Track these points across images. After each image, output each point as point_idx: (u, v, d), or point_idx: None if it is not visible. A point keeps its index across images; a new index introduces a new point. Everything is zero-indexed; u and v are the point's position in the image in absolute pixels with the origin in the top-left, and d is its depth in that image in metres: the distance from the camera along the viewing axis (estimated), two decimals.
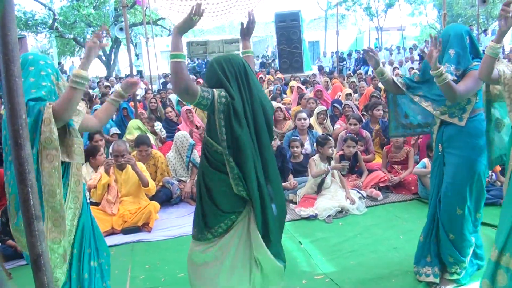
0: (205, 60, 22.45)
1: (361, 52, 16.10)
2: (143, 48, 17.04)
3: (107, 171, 4.98)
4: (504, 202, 2.78)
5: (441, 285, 3.39)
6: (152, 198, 5.29)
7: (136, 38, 28.94)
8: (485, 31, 23.30)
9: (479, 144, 3.22)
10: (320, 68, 18.52)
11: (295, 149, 5.97)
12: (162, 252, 4.38)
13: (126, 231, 4.85)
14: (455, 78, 3.09)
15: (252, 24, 3.13)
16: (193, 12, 2.49)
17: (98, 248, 2.76)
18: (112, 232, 4.86)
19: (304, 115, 6.43)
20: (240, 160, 2.57)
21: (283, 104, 8.60)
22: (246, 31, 3.14)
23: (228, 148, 2.54)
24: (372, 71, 10.20)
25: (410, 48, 21.51)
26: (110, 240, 4.60)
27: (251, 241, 2.72)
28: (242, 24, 3.16)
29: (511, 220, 2.65)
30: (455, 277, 3.36)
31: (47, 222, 2.37)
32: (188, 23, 2.52)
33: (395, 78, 3.47)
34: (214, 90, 2.53)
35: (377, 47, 25.89)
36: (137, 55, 25.70)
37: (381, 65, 3.48)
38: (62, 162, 2.43)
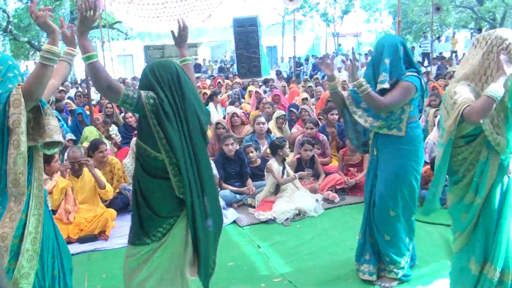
0: None
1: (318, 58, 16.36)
2: (99, 52, 16.69)
3: (63, 174, 4.86)
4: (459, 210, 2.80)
5: (381, 282, 3.51)
6: (108, 205, 5.20)
7: (92, 41, 28.31)
8: (438, 38, 24.15)
9: (412, 149, 3.34)
10: (278, 73, 18.69)
11: (251, 154, 6.00)
12: (119, 260, 4.22)
13: (82, 240, 4.74)
14: (386, 86, 3.18)
15: (184, 31, 3.09)
16: (85, 8, 2.38)
17: (62, 256, 2.69)
18: (68, 241, 4.71)
19: (262, 119, 6.49)
20: (177, 163, 2.52)
21: (243, 111, 8.65)
22: (179, 39, 3.10)
23: (167, 152, 2.49)
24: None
25: (365, 54, 22.00)
26: None
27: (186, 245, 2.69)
28: (173, 32, 3.12)
29: (483, 232, 2.69)
30: (392, 275, 3.48)
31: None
32: (86, 22, 2.41)
33: (344, 93, 3.52)
34: (141, 91, 2.49)
35: (343, 53, 26.30)
36: None
37: (336, 79, 3.51)
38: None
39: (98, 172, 5.11)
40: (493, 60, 2.54)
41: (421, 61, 19.20)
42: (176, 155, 2.48)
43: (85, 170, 5.05)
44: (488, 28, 25.36)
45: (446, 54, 20.66)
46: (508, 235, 2.66)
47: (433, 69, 14.39)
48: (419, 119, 3.51)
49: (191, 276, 2.76)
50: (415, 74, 3.28)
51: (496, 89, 2.41)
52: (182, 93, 2.56)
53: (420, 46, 21.53)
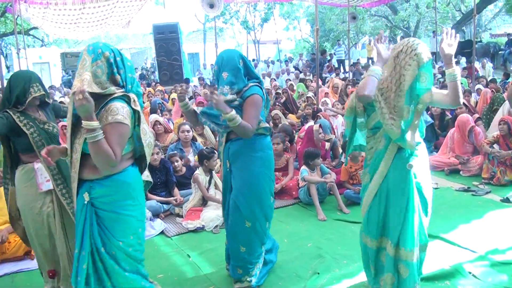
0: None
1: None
2: (14, 60, 15.83)
3: None
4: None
5: None
6: None
7: (7, 48, 26.84)
8: (355, 45, 25.21)
9: (263, 156, 3.45)
10: (201, 80, 18.64)
11: (176, 163, 5.93)
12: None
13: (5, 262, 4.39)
14: (229, 97, 3.28)
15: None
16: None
17: None
18: None
19: (187, 127, 6.42)
20: None
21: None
22: None
23: None
24: None
25: (285, 61, 22.52)
26: None
27: None
28: None
29: (401, 216, 3.01)
30: (246, 284, 3.58)
31: None
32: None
33: (196, 109, 3.63)
34: None
35: (254, 60, 26.67)
36: (8, 67, 23.78)
37: (186, 99, 3.51)
38: None
39: None
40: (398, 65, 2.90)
41: (337, 67, 19.98)
42: None
43: (1, 189, 4.60)
44: (403, 36, 26.90)
45: (363, 61, 21.67)
46: (412, 218, 3.00)
47: (350, 75, 15.01)
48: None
49: None
50: (257, 84, 3.41)
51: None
52: None
53: (334, 54, 22.40)
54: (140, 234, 2.77)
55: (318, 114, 7.80)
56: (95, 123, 2.39)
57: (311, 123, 7.31)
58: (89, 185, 2.59)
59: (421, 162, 3.05)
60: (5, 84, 3.85)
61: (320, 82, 11.50)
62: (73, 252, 3.22)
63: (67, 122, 2.61)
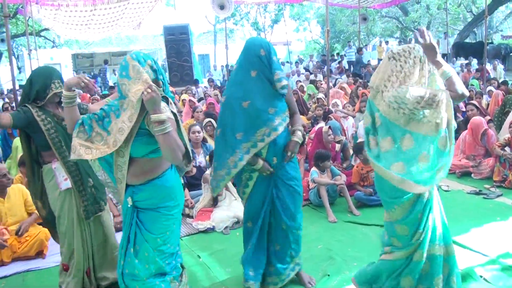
0: (92, 74, 21.54)
1: None
2: (26, 61, 15.99)
3: None
4: None
5: None
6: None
7: (18, 49, 27.08)
8: (366, 46, 25.14)
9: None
10: (211, 81, 18.68)
11: None
12: (56, 279, 4.08)
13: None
14: (284, 83, 3.22)
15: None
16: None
17: None
18: (1, 265, 4.40)
19: (198, 128, 6.44)
20: None
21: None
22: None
23: None
24: None
25: (296, 62, 22.48)
26: None
27: None
28: None
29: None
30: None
31: None
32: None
33: None
34: None
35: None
36: (19, 68, 24.00)
37: None
38: None
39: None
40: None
41: (348, 68, 19.91)
42: None
43: (11, 189, 4.66)
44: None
45: (374, 62, 21.57)
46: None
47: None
48: None
49: None
50: None
51: (449, 67, 2.69)
52: None
53: (345, 55, 22.32)
54: (176, 230, 2.89)
55: (329, 115, 7.79)
56: (164, 116, 2.48)
57: (321, 124, 7.31)
58: (131, 190, 2.74)
59: None
60: (17, 85, 3.91)
61: (330, 84, 11.48)
62: (89, 249, 3.42)
63: (125, 125, 2.60)
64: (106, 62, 21.77)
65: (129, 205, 2.74)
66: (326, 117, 7.95)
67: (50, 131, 3.30)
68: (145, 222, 2.75)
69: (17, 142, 6.53)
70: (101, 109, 2.77)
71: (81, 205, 3.40)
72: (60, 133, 3.32)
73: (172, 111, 2.66)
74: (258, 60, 3.20)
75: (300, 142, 3.36)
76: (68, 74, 24.81)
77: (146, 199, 2.72)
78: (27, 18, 11.92)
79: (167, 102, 2.69)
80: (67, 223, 3.44)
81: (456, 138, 7.25)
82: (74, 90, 2.81)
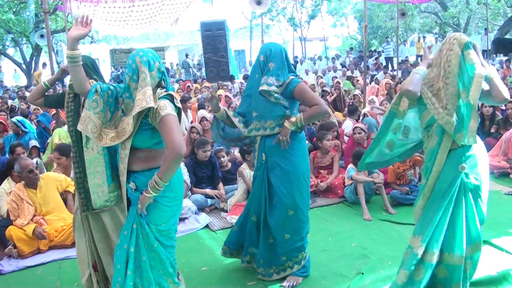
0: None
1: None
2: (65, 56, 16.38)
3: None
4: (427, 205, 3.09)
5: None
6: None
7: (58, 45, 27.82)
8: (404, 42, 24.66)
9: (298, 147, 3.54)
10: (246, 77, 18.72)
11: (222, 159, 6.00)
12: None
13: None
14: (273, 89, 3.40)
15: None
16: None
17: None
18: (38, 253, 4.56)
19: None
20: None
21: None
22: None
23: None
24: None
25: (332, 58, 22.25)
26: (35, 260, 4.41)
27: None
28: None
29: (436, 219, 2.95)
30: (288, 272, 3.65)
31: None
32: None
33: (229, 113, 3.67)
34: None
35: (296, 57, 26.48)
36: (58, 63, 24.70)
37: (221, 109, 3.64)
38: None
39: (63, 179, 4.97)
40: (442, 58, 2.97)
41: (385, 65, 19.57)
42: None
43: (41, 178, 4.82)
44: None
45: (412, 58, 21.13)
46: (461, 223, 2.97)
47: (399, 73, 14.69)
48: None
49: None
50: (296, 76, 3.58)
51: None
52: None
53: (383, 51, 21.95)
54: (172, 226, 2.88)
55: (365, 112, 7.69)
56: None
57: (348, 121, 7.24)
58: (134, 176, 2.78)
59: (478, 161, 3.00)
60: None
61: (367, 80, 11.35)
62: (91, 246, 3.41)
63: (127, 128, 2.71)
64: None
65: (132, 190, 2.75)
66: (353, 112, 7.88)
67: (70, 124, 3.33)
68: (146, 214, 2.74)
69: (56, 133, 6.63)
70: (113, 86, 2.86)
71: (79, 197, 3.35)
72: (74, 123, 3.24)
73: (176, 105, 2.74)
74: (258, 65, 3.57)
75: (292, 128, 3.42)
76: (106, 69, 25.37)
77: (146, 186, 2.67)
78: (66, 14, 12.20)
79: (171, 99, 2.74)
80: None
81: (494, 136, 7.03)
82: (78, 50, 2.88)
